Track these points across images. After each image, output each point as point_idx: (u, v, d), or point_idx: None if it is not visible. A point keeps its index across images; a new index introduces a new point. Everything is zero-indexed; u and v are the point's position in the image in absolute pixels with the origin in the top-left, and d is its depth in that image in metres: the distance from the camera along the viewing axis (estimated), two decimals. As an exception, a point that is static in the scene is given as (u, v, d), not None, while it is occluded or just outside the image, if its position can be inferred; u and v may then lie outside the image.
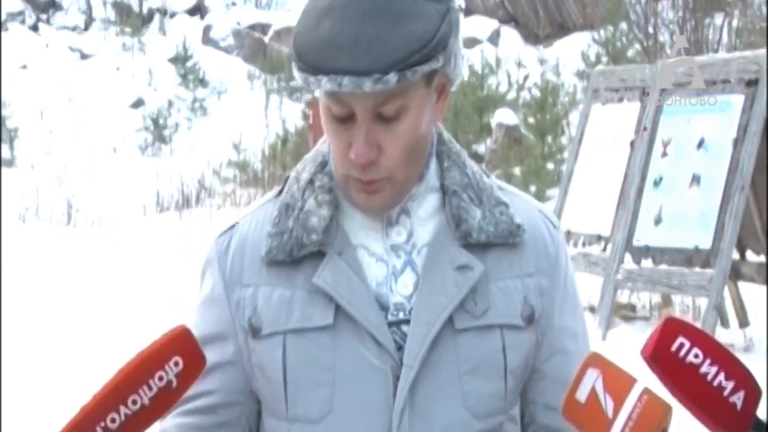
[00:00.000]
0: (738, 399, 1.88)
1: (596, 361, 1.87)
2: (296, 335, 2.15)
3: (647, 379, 1.91)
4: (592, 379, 1.85)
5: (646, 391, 1.84)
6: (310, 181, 2.21)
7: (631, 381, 1.85)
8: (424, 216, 2.20)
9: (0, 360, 8.53)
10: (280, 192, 2.26)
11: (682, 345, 1.87)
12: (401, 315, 2.15)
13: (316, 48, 2.02)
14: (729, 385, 1.87)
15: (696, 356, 1.86)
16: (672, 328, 1.89)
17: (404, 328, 2.14)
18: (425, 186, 2.21)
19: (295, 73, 2.07)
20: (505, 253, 2.20)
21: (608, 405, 1.83)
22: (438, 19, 2.04)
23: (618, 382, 1.85)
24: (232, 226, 2.28)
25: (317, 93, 2.12)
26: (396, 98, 2.04)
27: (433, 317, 2.13)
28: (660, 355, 1.87)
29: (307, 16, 2.07)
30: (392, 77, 1.99)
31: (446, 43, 2.06)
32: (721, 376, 1.87)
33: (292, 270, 2.17)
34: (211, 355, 2.14)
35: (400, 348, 2.12)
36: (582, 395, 1.85)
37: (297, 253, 2.16)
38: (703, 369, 1.86)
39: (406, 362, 2.11)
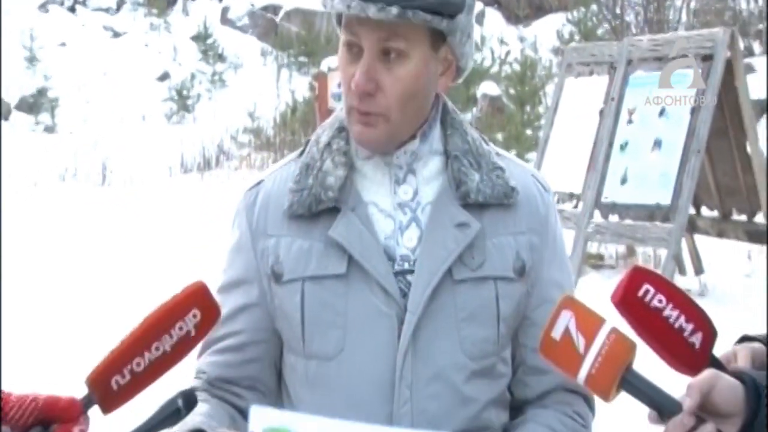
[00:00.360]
0: (696, 339, 1.90)
1: (569, 303, 1.88)
2: (313, 282, 2.16)
3: (614, 319, 1.91)
4: (566, 319, 1.86)
5: (614, 330, 1.84)
6: (328, 144, 2.23)
7: (600, 321, 1.85)
8: (429, 176, 2.21)
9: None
10: (302, 153, 2.27)
11: (647, 291, 1.89)
12: (406, 265, 2.16)
13: None
14: (689, 327, 1.89)
15: (660, 301, 1.88)
16: (638, 276, 1.91)
17: (409, 277, 2.15)
18: (429, 148, 2.22)
19: None
20: (500, 212, 2.20)
21: (580, 342, 1.84)
22: None
23: (589, 322, 1.85)
24: (259, 182, 2.30)
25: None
26: (398, 39, 2.07)
27: (434, 268, 2.14)
28: (628, 301, 1.89)
29: None
30: (393, 9, 2.01)
31: (454, 13, 2.08)
32: (682, 319, 1.89)
33: (311, 223, 2.19)
34: (239, 297, 2.24)
35: (404, 295, 2.14)
36: (557, 334, 1.86)
37: (315, 208, 2.18)
38: (666, 312, 1.88)
39: (409, 308, 2.13)
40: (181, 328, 1.92)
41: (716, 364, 1.95)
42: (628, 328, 1.89)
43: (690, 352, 1.91)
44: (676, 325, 1.89)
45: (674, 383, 1.91)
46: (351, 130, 2.18)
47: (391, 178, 2.20)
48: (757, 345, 2.17)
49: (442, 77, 2.19)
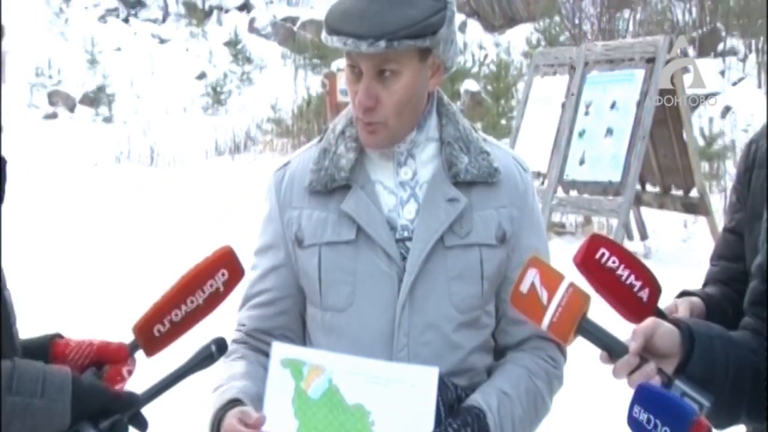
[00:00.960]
0: (644, 294, 1.90)
1: (535, 262, 1.87)
2: (329, 247, 2.18)
3: (573, 277, 1.91)
4: (532, 275, 1.85)
5: (572, 284, 1.84)
6: (342, 132, 2.24)
7: (560, 277, 1.85)
8: (426, 160, 2.21)
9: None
10: (321, 139, 2.28)
11: (603, 254, 1.89)
12: (406, 234, 2.16)
13: (336, 17, 2.08)
14: (637, 284, 1.89)
15: (613, 262, 1.89)
16: (596, 242, 1.92)
17: (408, 244, 2.15)
18: (426, 136, 2.21)
19: (323, 33, 2.13)
20: (485, 189, 2.20)
21: (544, 295, 1.84)
22: (431, 11, 2.06)
23: (551, 278, 1.85)
24: (287, 163, 2.31)
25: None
26: (391, 62, 2.07)
27: (428, 236, 2.14)
28: (587, 262, 1.90)
29: None
30: (382, 43, 2.02)
31: (435, 31, 2.07)
32: (632, 278, 1.89)
33: (327, 198, 2.20)
34: (269, 259, 2.25)
35: (404, 258, 2.15)
36: (524, 288, 1.86)
37: (330, 185, 2.19)
38: (619, 272, 1.89)
39: (407, 269, 2.14)
40: (211, 285, 1.92)
41: (660, 314, 1.95)
42: (587, 285, 1.89)
43: (639, 304, 1.91)
44: (627, 282, 1.89)
45: (623, 331, 1.89)
46: (359, 134, 2.19)
47: (394, 161, 2.20)
48: (695, 299, 2.17)
49: (432, 79, 2.18)
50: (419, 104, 2.18)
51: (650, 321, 1.84)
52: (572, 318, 1.81)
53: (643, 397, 1.74)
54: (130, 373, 1.91)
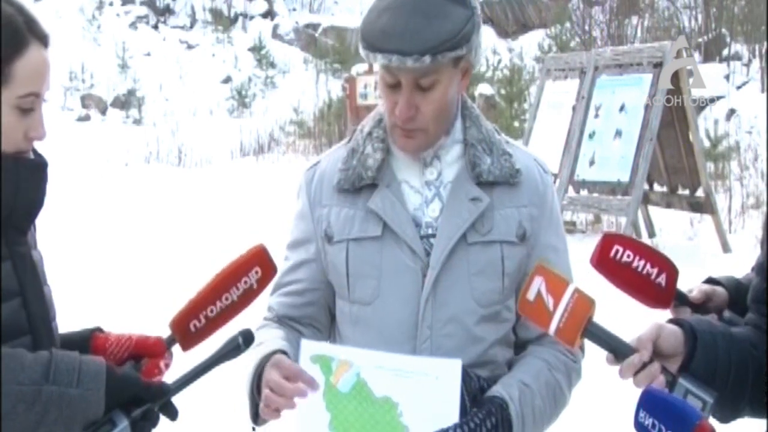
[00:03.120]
0: (662, 280, 1.92)
1: (541, 269, 1.85)
2: (356, 242, 2.18)
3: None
4: (538, 283, 1.84)
5: (577, 290, 1.82)
6: (370, 133, 2.24)
7: (566, 283, 1.83)
8: (450, 161, 2.21)
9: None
10: (349, 140, 2.28)
11: (617, 251, 1.91)
12: (430, 231, 2.16)
13: (376, 34, 2.06)
14: (654, 272, 1.91)
15: (628, 256, 1.91)
16: (609, 240, 1.93)
17: (431, 240, 2.15)
18: (452, 139, 2.21)
19: (360, 50, 2.11)
20: (506, 189, 2.20)
21: (550, 302, 1.82)
22: (463, 20, 2.07)
23: (556, 284, 1.83)
24: (317, 163, 2.32)
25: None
26: (431, 74, 2.07)
27: (451, 233, 2.14)
28: (603, 262, 1.91)
29: (372, 12, 2.12)
30: (427, 58, 2.02)
31: (469, 38, 2.08)
32: (648, 266, 1.91)
33: (355, 196, 2.20)
34: (301, 253, 2.25)
35: (428, 254, 2.14)
36: (531, 295, 1.84)
37: (358, 184, 2.19)
38: (635, 264, 1.91)
39: (431, 265, 2.14)
40: (245, 282, 1.92)
41: (681, 296, 1.98)
42: (595, 286, 1.88)
43: (659, 291, 1.92)
44: (644, 272, 1.90)
45: (632, 328, 1.89)
46: (394, 140, 2.18)
47: (420, 161, 2.20)
48: (719, 288, 2.16)
49: (462, 80, 2.17)
50: (453, 108, 2.19)
51: (653, 326, 1.83)
52: (578, 323, 1.80)
53: (647, 402, 1.73)
54: (167, 366, 1.91)
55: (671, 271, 1.90)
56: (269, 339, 2.15)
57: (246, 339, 1.90)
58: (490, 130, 2.25)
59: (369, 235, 2.17)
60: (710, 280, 2.19)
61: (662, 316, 1.98)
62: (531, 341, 2.25)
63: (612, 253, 1.89)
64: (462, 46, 2.06)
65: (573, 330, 1.80)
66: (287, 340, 2.17)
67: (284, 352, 2.09)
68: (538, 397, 2.14)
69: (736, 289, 2.15)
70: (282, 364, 2.02)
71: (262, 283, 1.94)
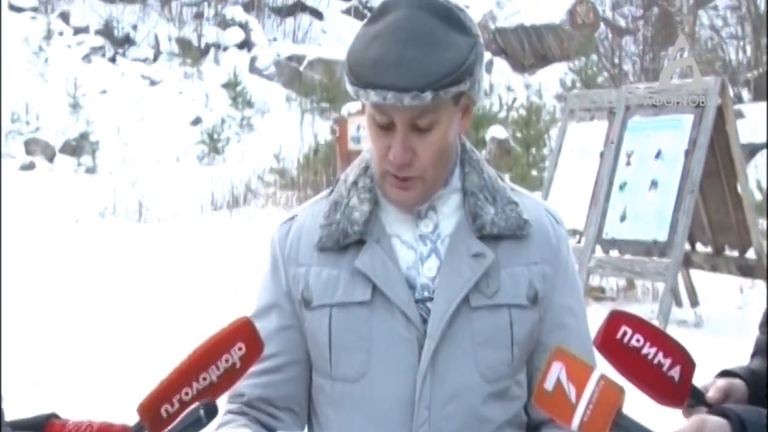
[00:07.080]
0: (675, 373, 1.90)
1: (560, 355, 1.85)
2: (340, 308, 2.16)
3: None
4: (557, 370, 1.83)
5: (603, 377, 1.81)
6: (355, 183, 2.23)
7: (589, 370, 1.82)
8: (448, 212, 2.20)
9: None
10: (331, 191, 2.27)
11: (625, 332, 1.89)
12: (426, 293, 2.14)
13: (367, 66, 2.04)
14: (667, 362, 1.89)
15: (638, 341, 1.89)
16: (616, 319, 1.92)
17: (429, 304, 2.14)
18: (450, 188, 2.21)
19: (348, 86, 2.09)
20: (514, 244, 2.19)
21: (572, 392, 1.81)
22: (467, 49, 2.06)
23: (579, 371, 1.82)
24: (293, 217, 2.30)
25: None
26: (429, 113, 2.06)
27: (452, 296, 2.12)
28: (608, 344, 1.90)
29: (359, 40, 2.09)
30: (428, 95, 2.00)
31: (472, 70, 2.08)
32: (660, 356, 1.89)
33: (339, 254, 2.18)
34: (273, 320, 2.23)
35: (424, 321, 2.13)
36: (549, 385, 1.83)
37: (342, 241, 2.18)
38: (644, 350, 1.89)
39: (429, 334, 2.12)
40: (227, 360, 1.91)
41: (697, 395, 1.96)
42: (612, 369, 1.88)
43: (671, 385, 1.90)
44: (655, 362, 1.89)
45: (664, 417, 1.91)
46: (385, 191, 2.17)
47: (414, 212, 2.19)
48: (737, 381, 2.15)
49: (462, 119, 2.17)
50: (453, 151, 2.19)
51: (695, 420, 1.83)
52: (606, 416, 1.78)
53: None
54: (135, 457, 1.92)
55: (687, 365, 1.90)
56: None
57: (208, 412, 1.87)
58: (493, 176, 2.25)
59: (356, 299, 2.15)
60: (725, 373, 2.18)
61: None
62: (545, 423, 2.23)
63: (619, 335, 1.90)
64: (465, 79, 2.05)
65: (600, 424, 1.78)
66: None
67: None
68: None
69: (753, 381, 2.15)
70: None
71: (247, 361, 1.93)
